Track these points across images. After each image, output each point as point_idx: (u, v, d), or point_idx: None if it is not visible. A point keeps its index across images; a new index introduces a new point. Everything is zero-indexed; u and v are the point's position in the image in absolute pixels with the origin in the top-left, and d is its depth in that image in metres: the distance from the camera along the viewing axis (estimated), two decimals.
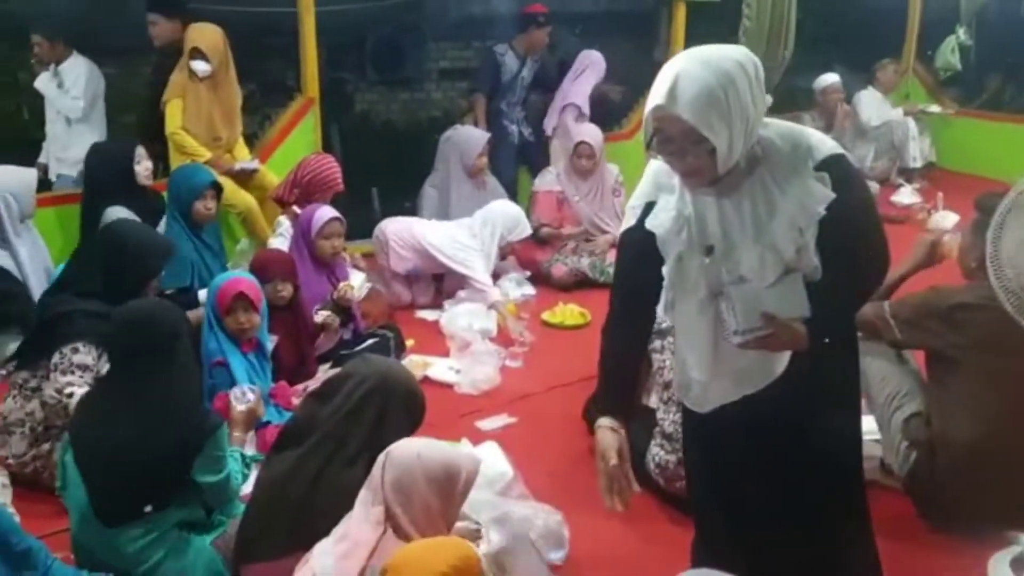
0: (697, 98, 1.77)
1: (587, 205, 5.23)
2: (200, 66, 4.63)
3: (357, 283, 4.24)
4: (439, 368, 3.93)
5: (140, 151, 4.32)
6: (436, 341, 4.30)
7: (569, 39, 7.18)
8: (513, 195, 5.64)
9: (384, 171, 6.52)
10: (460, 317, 4.38)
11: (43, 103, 5.25)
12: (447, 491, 2.01)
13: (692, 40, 6.61)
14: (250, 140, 5.16)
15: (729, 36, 6.95)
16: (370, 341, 3.96)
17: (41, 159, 5.25)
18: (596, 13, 7.31)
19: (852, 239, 1.91)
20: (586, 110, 5.98)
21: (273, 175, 4.88)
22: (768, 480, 2.10)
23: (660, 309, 2.10)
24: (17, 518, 2.36)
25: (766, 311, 1.88)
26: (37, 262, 4.09)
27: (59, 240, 4.46)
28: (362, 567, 1.92)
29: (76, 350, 2.88)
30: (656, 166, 2.03)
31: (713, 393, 2.08)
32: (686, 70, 1.80)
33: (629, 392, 2.24)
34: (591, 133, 5.23)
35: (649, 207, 2.04)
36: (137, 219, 4.07)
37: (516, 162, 6.04)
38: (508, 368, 4.00)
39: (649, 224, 2.02)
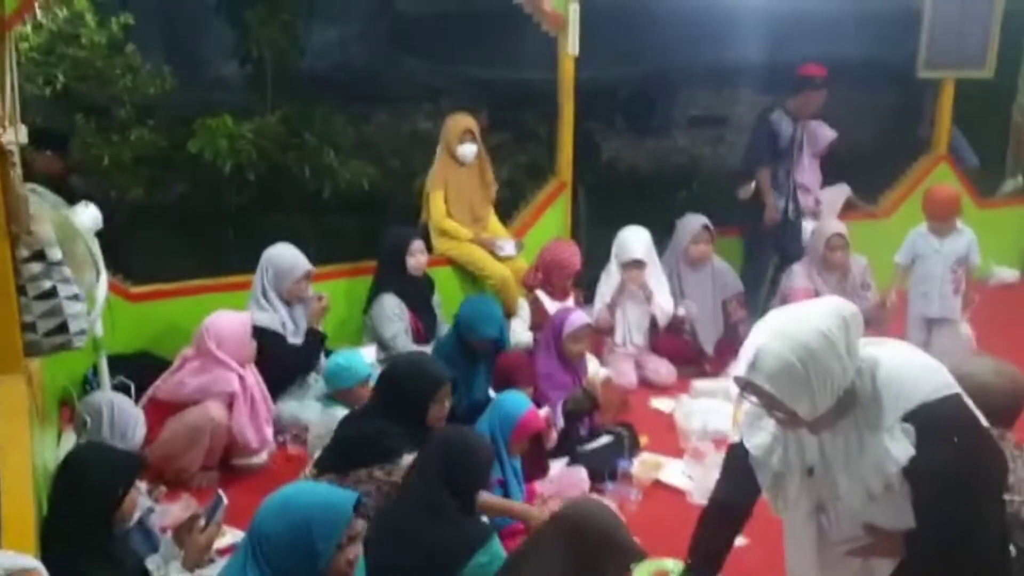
0: (776, 373, 1.92)
1: None
2: (471, 148, 5.03)
3: (593, 369, 4.40)
4: (672, 471, 3.96)
5: (416, 244, 4.67)
6: (670, 436, 4.31)
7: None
8: (757, 288, 5.46)
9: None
10: (695, 414, 4.37)
11: None
12: None
13: (959, 117, 6.28)
14: (504, 220, 5.46)
15: (996, 115, 6.53)
16: (604, 439, 4.09)
17: None
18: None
19: (931, 495, 1.94)
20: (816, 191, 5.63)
21: (522, 258, 5.17)
22: None
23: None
24: None
25: (867, 521, 2.03)
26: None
27: (342, 310, 4.89)
28: None
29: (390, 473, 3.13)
30: None
31: None
32: (766, 345, 1.94)
33: (712, 573, 2.47)
34: (841, 225, 5.09)
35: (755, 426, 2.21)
36: (401, 304, 4.52)
37: (774, 246, 5.56)
38: None
39: (747, 443, 2.21)
